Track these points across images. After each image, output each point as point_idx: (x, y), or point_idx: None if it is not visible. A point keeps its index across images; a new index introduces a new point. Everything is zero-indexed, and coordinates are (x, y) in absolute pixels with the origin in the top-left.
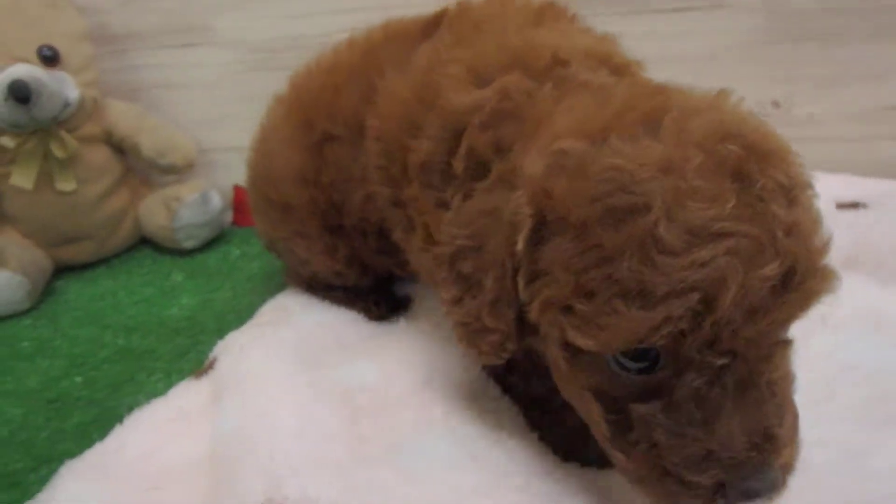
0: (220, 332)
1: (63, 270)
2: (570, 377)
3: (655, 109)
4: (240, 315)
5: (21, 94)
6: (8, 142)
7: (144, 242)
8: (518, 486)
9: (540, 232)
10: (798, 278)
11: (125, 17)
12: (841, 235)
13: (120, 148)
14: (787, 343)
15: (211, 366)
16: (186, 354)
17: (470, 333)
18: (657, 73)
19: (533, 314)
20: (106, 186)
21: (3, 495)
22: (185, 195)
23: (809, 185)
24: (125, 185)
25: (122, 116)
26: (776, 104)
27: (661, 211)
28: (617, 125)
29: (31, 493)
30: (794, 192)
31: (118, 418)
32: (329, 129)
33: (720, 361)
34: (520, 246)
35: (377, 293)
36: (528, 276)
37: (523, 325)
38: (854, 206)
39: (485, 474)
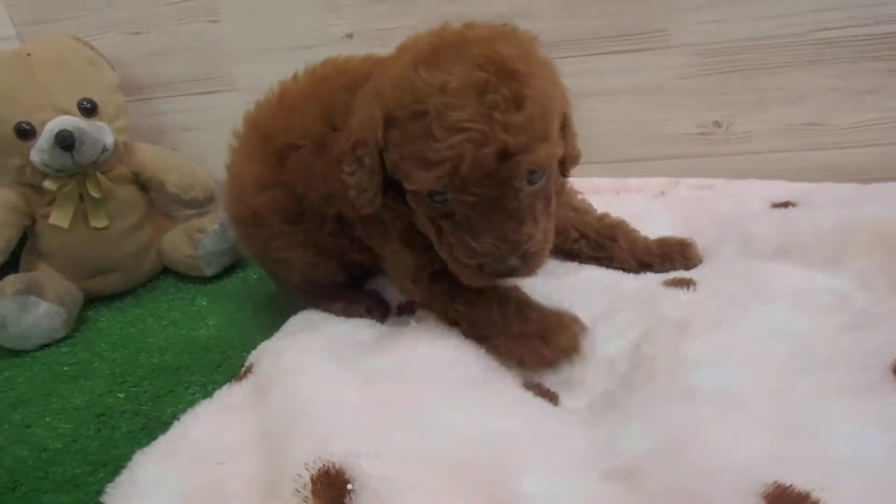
0: (247, 346)
1: (93, 301)
2: (419, 213)
3: (451, 43)
4: (262, 330)
5: (66, 142)
6: (50, 185)
7: (166, 272)
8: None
9: (387, 125)
10: (507, 158)
11: (150, 69)
12: (774, 228)
13: (146, 186)
14: (519, 189)
15: (248, 371)
16: (218, 368)
17: (357, 194)
18: (614, 101)
19: (391, 172)
20: (133, 222)
21: (67, 497)
22: (207, 226)
23: (536, 96)
24: (150, 219)
25: (148, 157)
26: (717, 124)
27: (433, 115)
28: (426, 57)
29: (91, 494)
30: (520, 101)
31: (163, 426)
32: (288, 140)
33: (470, 199)
34: (378, 134)
35: (368, 300)
36: (384, 150)
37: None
38: (785, 205)
39: (484, 422)
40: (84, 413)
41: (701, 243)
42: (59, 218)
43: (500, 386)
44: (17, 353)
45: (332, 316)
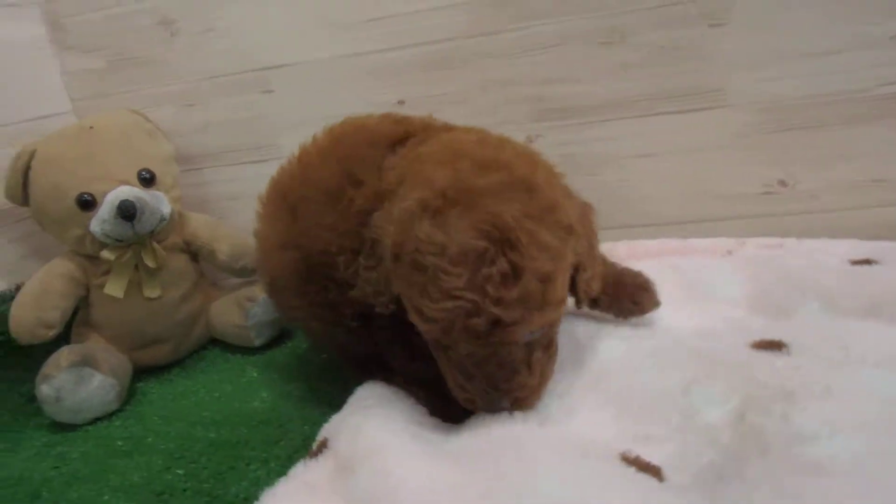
0: (306, 420)
1: (141, 373)
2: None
3: (462, 195)
4: (319, 403)
5: (128, 212)
6: (109, 255)
7: (213, 343)
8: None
9: (394, 258)
10: (500, 326)
11: (200, 140)
12: (859, 286)
13: (196, 254)
14: (512, 344)
15: (323, 446)
16: (279, 442)
17: (373, 294)
18: (674, 162)
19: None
20: (184, 291)
21: None
22: (258, 294)
23: (537, 267)
24: (199, 289)
25: (200, 226)
26: (783, 183)
27: (430, 275)
28: (434, 206)
29: None
30: (517, 274)
31: None
32: (301, 193)
33: (463, 351)
34: (388, 263)
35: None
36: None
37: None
38: (867, 262)
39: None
40: (143, 491)
41: (776, 301)
42: (115, 288)
43: (600, 463)
44: (69, 428)
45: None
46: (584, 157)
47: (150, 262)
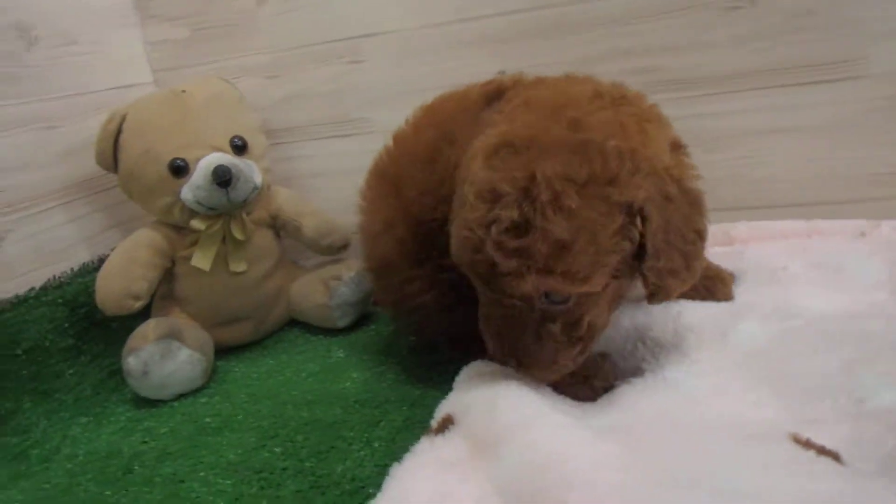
0: (405, 401)
1: (220, 352)
2: None
3: (528, 138)
4: (416, 384)
5: (224, 178)
6: (199, 224)
7: (292, 324)
8: None
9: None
10: (498, 273)
11: (284, 112)
12: None
13: (281, 230)
14: (550, 312)
15: (449, 422)
16: (379, 423)
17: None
18: (800, 139)
19: None
20: (268, 268)
21: None
22: (344, 273)
23: (554, 230)
24: (282, 266)
25: (286, 201)
26: None
27: (465, 204)
28: (497, 147)
29: None
30: (524, 228)
31: (336, 484)
32: (400, 167)
33: (481, 297)
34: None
35: None
36: None
37: None
38: None
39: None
40: (241, 469)
41: None
42: (202, 260)
43: (774, 446)
44: (154, 403)
45: None
46: (702, 132)
47: (238, 235)
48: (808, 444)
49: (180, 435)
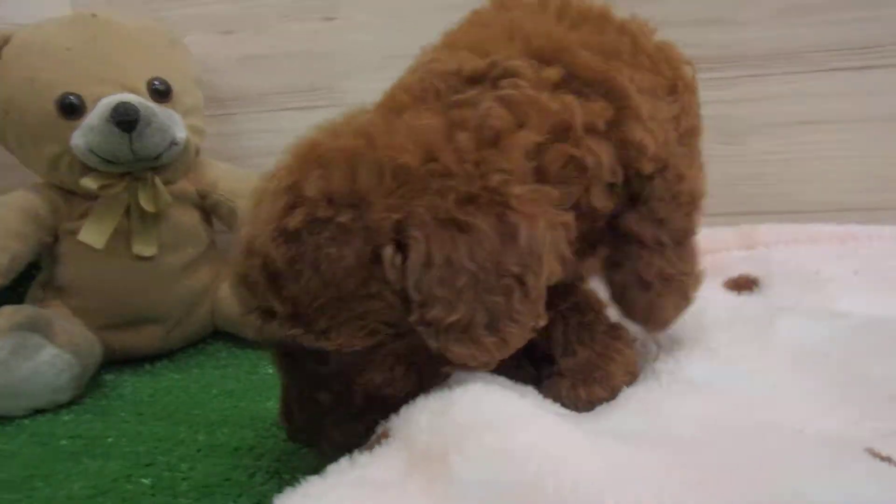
0: None
1: (114, 363)
2: None
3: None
4: None
5: (127, 116)
6: (90, 183)
7: (216, 335)
8: None
9: None
10: None
11: (240, 77)
12: None
13: (212, 212)
14: (317, 377)
15: (383, 436)
16: (300, 450)
17: None
18: (836, 132)
19: None
20: (189, 257)
21: None
22: None
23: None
24: (208, 260)
25: (222, 177)
26: None
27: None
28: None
29: None
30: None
31: None
32: None
33: None
34: None
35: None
36: None
37: None
38: None
39: None
40: None
41: None
42: (93, 234)
43: (844, 452)
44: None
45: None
46: (731, 119)
47: (146, 205)
48: (891, 462)
49: (20, 460)
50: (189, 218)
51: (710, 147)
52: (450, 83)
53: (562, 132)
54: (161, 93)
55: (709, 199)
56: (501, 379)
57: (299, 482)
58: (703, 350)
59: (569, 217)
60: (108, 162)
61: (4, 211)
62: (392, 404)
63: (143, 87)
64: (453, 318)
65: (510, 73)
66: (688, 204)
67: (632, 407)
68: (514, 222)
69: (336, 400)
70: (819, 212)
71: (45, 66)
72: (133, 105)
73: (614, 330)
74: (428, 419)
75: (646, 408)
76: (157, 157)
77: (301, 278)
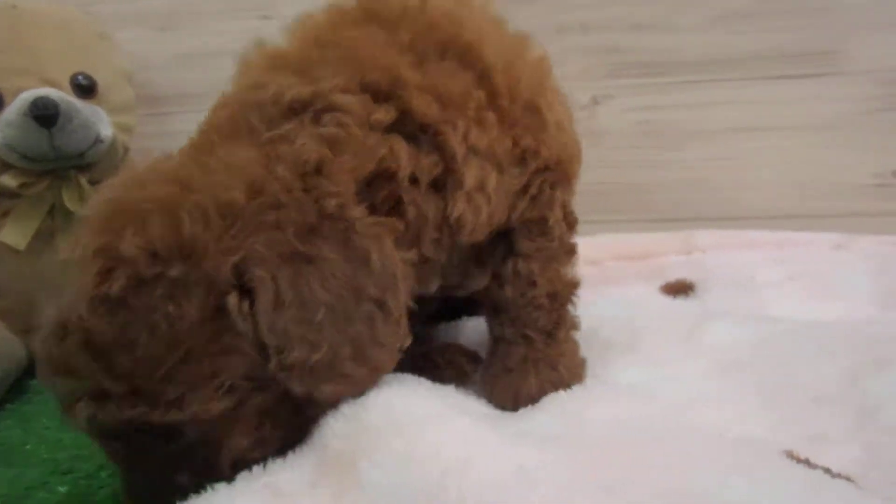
0: None
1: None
2: None
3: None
4: None
5: (46, 111)
6: (10, 181)
7: None
8: None
9: None
10: None
11: (177, 74)
12: None
13: None
14: (169, 457)
15: None
16: None
17: None
18: (771, 140)
19: None
20: None
21: None
22: None
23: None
24: None
25: None
26: None
27: None
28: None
29: None
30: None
31: None
32: None
33: None
34: None
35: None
36: None
37: None
38: None
39: None
40: None
41: None
42: (15, 234)
43: (763, 454)
44: None
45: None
46: (666, 126)
47: (71, 204)
48: (808, 465)
49: None
50: None
51: (648, 152)
52: (265, 116)
53: (385, 179)
54: (84, 88)
55: (647, 203)
56: (421, 380)
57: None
58: (632, 354)
59: (412, 254)
60: (29, 159)
61: None
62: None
63: (66, 82)
64: (316, 356)
65: (335, 108)
66: (549, 306)
67: (554, 410)
68: (363, 245)
69: (197, 478)
70: (757, 218)
71: None
72: (52, 99)
73: (557, 329)
74: (341, 425)
75: (567, 410)
76: (81, 155)
77: (136, 348)
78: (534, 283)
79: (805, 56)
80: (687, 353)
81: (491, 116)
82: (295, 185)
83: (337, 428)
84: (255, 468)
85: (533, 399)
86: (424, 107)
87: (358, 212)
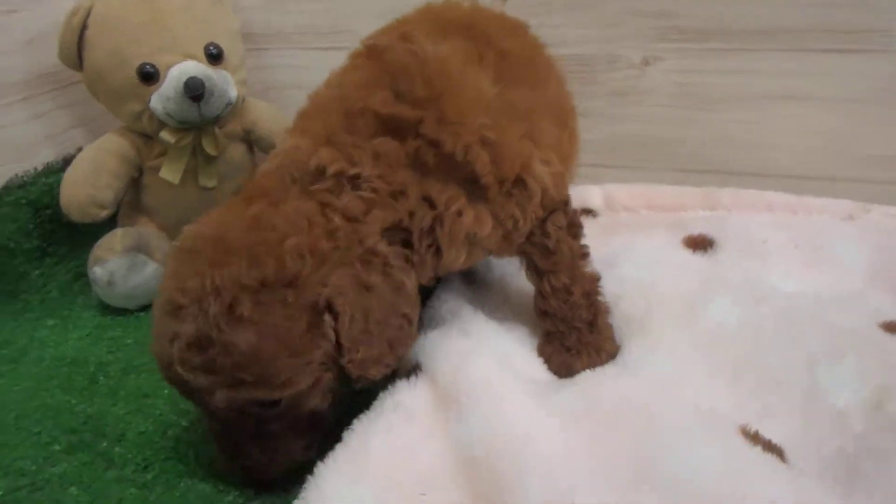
0: None
1: None
2: None
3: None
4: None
5: (196, 91)
6: (168, 137)
7: None
8: None
9: None
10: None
11: (268, 16)
12: None
13: (254, 145)
14: (265, 416)
15: (417, 368)
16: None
17: None
18: (807, 108)
19: None
20: (238, 184)
21: (206, 486)
22: None
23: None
24: None
25: (262, 116)
26: None
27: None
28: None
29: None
30: (234, 313)
31: None
32: None
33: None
34: None
35: None
36: None
37: None
38: None
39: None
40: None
41: None
42: (171, 173)
43: (717, 435)
44: (120, 311)
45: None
46: (708, 89)
47: (209, 150)
48: (755, 438)
49: (146, 347)
50: (237, 152)
51: (686, 112)
52: (304, 172)
53: (400, 229)
54: (215, 56)
55: (680, 156)
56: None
57: None
58: (643, 331)
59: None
60: (181, 122)
61: (104, 156)
62: (326, 418)
63: (202, 53)
64: (371, 354)
65: (361, 178)
66: (586, 302)
67: (579, 386)
68: (399, 278)
69: (284, 428)
70: (782, 176)
71: (123, 40)
72: (200, 80)
73: (595, 318)
74: (450, 368)
75: (586, 388)
76: (217, 118)
77: (262, 351)
78: (570, 292)
79: (852, 33)
80: (683, 328)
81: (480, 209)
82: (345, 227)
83: (447, 370)
84: (382, 392)
85: (576, 374)
86: (405, 176)
87: (385, 248)
